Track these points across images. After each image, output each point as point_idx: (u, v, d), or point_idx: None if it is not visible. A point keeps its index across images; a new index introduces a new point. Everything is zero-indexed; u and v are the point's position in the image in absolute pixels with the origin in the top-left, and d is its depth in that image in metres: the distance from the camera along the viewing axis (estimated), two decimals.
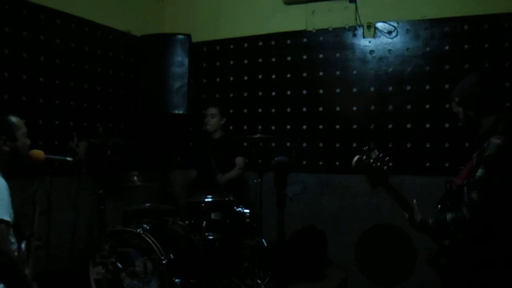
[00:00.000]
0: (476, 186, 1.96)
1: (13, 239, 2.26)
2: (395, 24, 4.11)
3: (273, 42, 4.55)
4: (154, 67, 4.39)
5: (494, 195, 1.94)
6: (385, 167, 2.09)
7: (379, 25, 4.17)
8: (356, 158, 2.08)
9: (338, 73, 4.31)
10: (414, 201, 2.21)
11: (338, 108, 4.31)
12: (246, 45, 4.65)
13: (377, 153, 2.10)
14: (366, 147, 2.12)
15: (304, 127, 4.44)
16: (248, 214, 3.53)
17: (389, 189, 2.14)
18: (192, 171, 4.39)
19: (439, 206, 2.21)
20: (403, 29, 4.09)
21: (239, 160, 4.22)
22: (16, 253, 2.26)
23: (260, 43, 4.59)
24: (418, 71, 4.04)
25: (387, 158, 2.09)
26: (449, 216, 2.00)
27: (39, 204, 2.63)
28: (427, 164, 4.01)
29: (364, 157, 2.08)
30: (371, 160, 2.08)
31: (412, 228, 2.21)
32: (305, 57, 4.43)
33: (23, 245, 2.34)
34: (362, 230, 4.16)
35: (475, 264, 2.03)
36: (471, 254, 2.04)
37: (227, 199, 3.54)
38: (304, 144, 4.44)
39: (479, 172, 1.96)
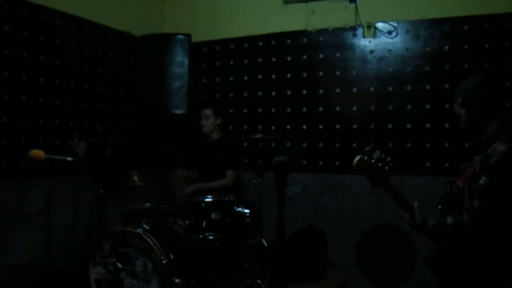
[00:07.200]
0: (478, 194, 1.92)
1: None
2: (395, 24, 4.11)
3: (273, 42, 4.54)
4: (154, 67, 4.40)
5: (496, 204, 1.91)
6: (387, 167, 2.07)
7: (379, 25, 4.17)
8: (357, 158, 2.05)
9: (338, 73, 4.30)
10: (416, 203, 2.19)
11: (338, 108, 4.31)
12: (246, 45, 4.64)
13: (378, 153, 2.07)
14: (368, 147, 2.09)
15: (304, 127, 4.44)
16: (248, 214, 3.53)
17: (390, 189, 2.12)
18: (193, 172, 4.35)
19: (440, 206, 2.20)
20: (403, 29, 4.09)
21: (230, 174, 4.09)
22: None
23: (260, 43, 4.59)
24: (418, 71, 4.04)
25: (389, 158, 2.07)
26: (449, 220, 1.99)
27: (39, 204, 2.62)
28: (427, 164, 4.00)
29: (366, 157, 2.06)
30: (373, 161, 2.06)
31: (412, 229, 2.20)
32: (305, 57, 4.43)
33: None
34: (362, 230, 4.15)
35: (472, 266, 2.02)
36: (468, 257, 2.03)
37: (227, 199, 3.54)
38: (304, 144, 4.44)
39: (482, 180, 1.92)
